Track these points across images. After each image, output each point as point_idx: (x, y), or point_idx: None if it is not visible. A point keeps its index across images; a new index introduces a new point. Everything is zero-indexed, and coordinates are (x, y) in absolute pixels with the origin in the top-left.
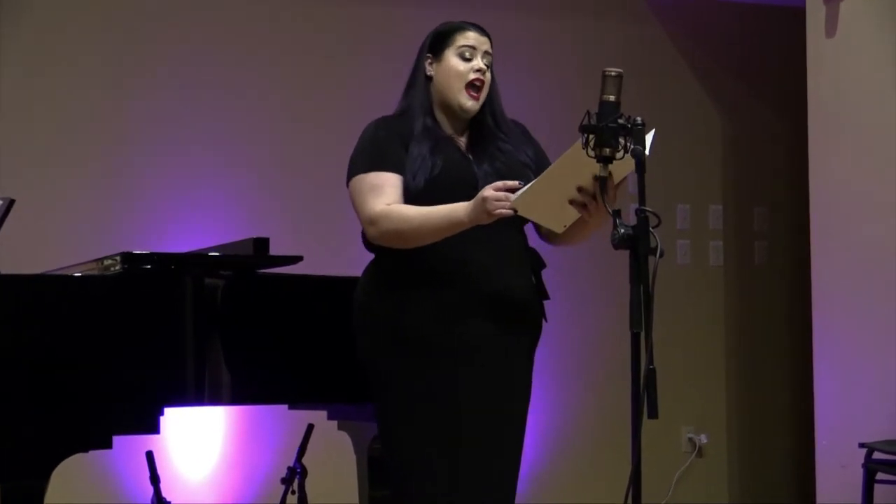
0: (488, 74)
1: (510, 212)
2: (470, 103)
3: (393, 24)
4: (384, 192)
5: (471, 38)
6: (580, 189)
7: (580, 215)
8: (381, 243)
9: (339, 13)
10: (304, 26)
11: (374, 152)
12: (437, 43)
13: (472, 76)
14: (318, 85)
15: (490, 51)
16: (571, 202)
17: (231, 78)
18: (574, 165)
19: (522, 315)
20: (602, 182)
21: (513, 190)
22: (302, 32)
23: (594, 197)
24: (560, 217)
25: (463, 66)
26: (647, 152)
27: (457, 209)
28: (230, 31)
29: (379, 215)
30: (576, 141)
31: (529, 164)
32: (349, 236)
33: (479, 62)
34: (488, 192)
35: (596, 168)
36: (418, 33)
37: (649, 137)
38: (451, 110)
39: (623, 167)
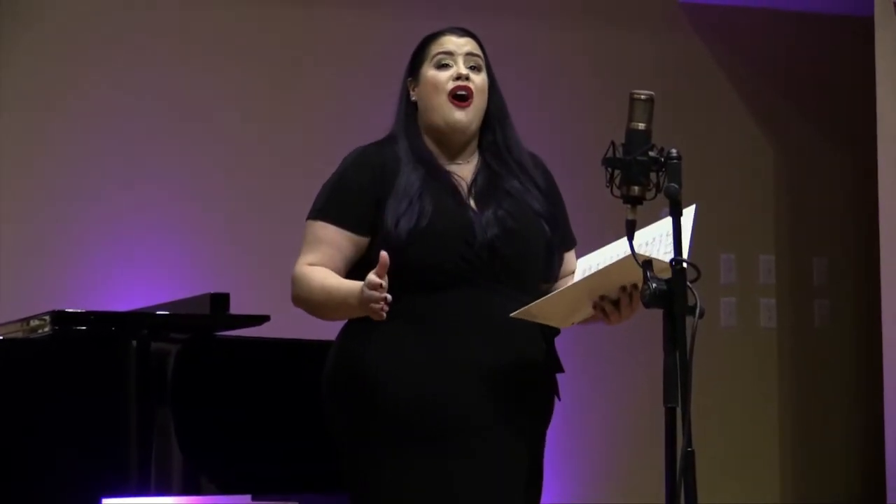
0: (478, 78)
1: (382, 316)
2: (458, 114)
3: (376, 51)
4: (317, 249)
5: (446, 42)
6: (603, 297)
7: (590, 315)
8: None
9: (316, 39)
10: (272, 54)
11: (330, 196)
12: (414, 61)
13: (452, 85)
14: (288, 118)
15: (476, 52)
16: (594, 306)
17: (185, 108)
18: (602, 280)
19: (531, 392)
20: (630, 227)
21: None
22: (269, 61)
23: (617, 304)
24: (568, 318)
25: (441, 75)
26: (687, 234)
27: (351, 295)
28: (188, 61)
29: (295, 277)
30: (599, 176)
31: (542, 212)
32: None
33: (460, 67)
34: (365, 291)
35: (629, 278)
36: (404, 59)
37: (690, 214)
38: (444, 135)
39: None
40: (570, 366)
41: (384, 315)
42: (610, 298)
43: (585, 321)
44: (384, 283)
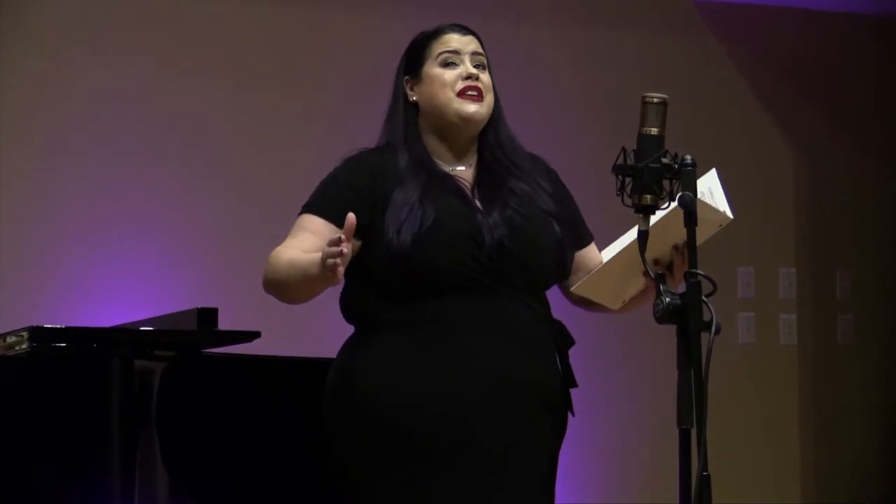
0: (486, 77)
1: (337, 279)
2: (473, 107)
3: (374, 57)
4: (298, 236)
5: (451, 41)
6: (656, 261)
7: (640, 289)
8: (268, 293)
9: (311, 45)
10: (265, 59)
11: (320, 193)
12: (413, 59)
13: (461, 85)
14: (280, 125)
15: (480, 51)
16: (644, 273)
17: (172, 115)
18: (653, 240)
19: (543, 409)
20: (642, 237)
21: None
22: (261, 67)
23: (670, 268)
24: (620, 292)
25: (449, 74)
26: (723, 206)
27: (314, 263)
28: (174, 68)
29: (267, 259)
30: (610, 183)
31: (552, 211)
32: (319, 306)
33: (468, 67)
34: (325, 250)
35: (678, 236)
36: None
37: (713, 181)
38: (451, 135)
39: (706, 225)
40: (583, 380)
41: (341, 273)
42: (663, 262)
43: (635, 301)
44: (343, 237)
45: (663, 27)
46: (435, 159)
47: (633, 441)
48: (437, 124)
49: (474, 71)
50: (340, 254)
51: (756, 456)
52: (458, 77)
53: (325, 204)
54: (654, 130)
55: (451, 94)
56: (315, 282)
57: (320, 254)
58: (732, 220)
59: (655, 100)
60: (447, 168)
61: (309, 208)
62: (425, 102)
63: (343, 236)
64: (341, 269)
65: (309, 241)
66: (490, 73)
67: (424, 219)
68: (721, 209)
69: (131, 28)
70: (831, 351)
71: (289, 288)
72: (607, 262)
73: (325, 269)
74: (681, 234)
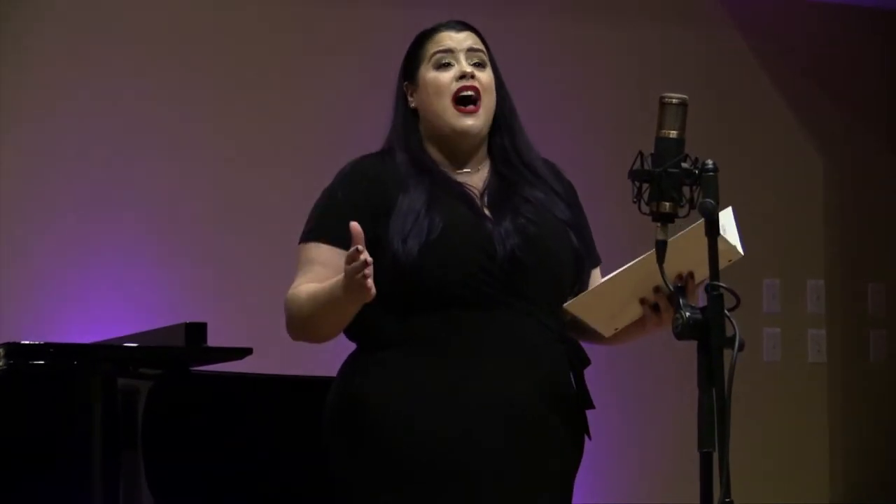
0: (484, 76)
1: (370, 292)
2: (467, 121)
3: (369, 57)
4: (309, 271)
5: (444, 39)
6: (657, 289)
7: (636, 318)
8: (295, 339)
9: (307, 46)
10: (255, 61)
11: (321, 215)
12: (410, 63)
13: (457, 86)
14: (272, 129)
15: (477, 46)
16: (642, 301)
17: (157, 121)
18: (651, 267)
19: (557, 431)
20: (660, 248)
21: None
22: (251, 68)
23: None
24: (615, 318)
25: (443, 77)
26: (735, 242)
27: (337, 286)
28: (159, 71)
29: (285, 302)
30: (627, 190)
31: (568, 220)
32: None
33: (462, 66)
34: (345, 268)
35: (687, 263)
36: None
37: (728, 218)
38: (451, 141)
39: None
40: (599, 401)
41: (372, 287)
42: (663, 292)
43: (628, 332)
44: (361, 247)
45: (683, 22)
46: (440, 165)
47: (652, 465)
48: (436, 132)
49: (469, 69)
50: (365, 265)
51: (782, 480)
52: (452, 79)
53: (327, 228)
54: (673, 133)
55: (447, 103)
56: (345, 305)
57: (340, 276)
58: (757, 233)
59: (674, 100)
60: (453, 174)
61: (311, 236)
62: (423, 109)
63: (358, 247)
64: (371, 282)
65: (321, 274)
66: (496, 70)
67: (432, 228)
68: (733, 242)
69: (118, 44)
70: (863, 369)
71: (319, 324)
72: (609, 279)
73: (355, 288)
74: (688, 262)
